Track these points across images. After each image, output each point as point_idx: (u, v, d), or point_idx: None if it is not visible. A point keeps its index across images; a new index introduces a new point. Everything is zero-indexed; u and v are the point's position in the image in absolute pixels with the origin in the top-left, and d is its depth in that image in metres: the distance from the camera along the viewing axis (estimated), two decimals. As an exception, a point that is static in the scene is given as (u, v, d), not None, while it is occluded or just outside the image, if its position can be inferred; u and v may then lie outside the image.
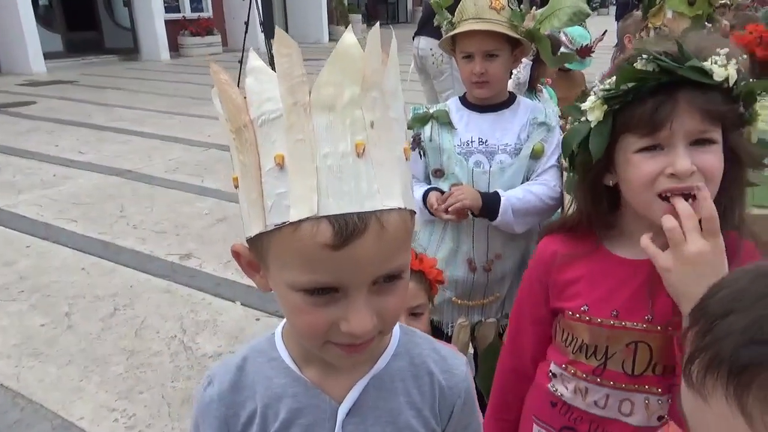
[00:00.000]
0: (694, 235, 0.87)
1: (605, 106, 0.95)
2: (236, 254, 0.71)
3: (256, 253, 0.66)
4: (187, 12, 14.84)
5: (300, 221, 0.58)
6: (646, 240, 0.93)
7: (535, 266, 1.17)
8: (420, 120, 1.70)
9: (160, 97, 8.76)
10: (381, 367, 0.77)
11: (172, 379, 2.50)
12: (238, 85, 0.64)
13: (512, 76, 2.82)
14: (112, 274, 3.46)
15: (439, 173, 1.69)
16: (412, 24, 23.65)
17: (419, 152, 1.71)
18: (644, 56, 0.91)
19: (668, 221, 0.89)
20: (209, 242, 3.87)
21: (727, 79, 0.88)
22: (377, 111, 0.60)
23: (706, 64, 0.88)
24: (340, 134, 0.59)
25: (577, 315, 1.06)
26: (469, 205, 1.55)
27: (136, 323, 2.94)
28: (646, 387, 1.02)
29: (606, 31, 3.33)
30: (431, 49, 3.84)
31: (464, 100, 1.72)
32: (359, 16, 19.48)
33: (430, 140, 1.68)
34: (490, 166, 1.63)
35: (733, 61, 0.88)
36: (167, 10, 13.90)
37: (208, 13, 15.31)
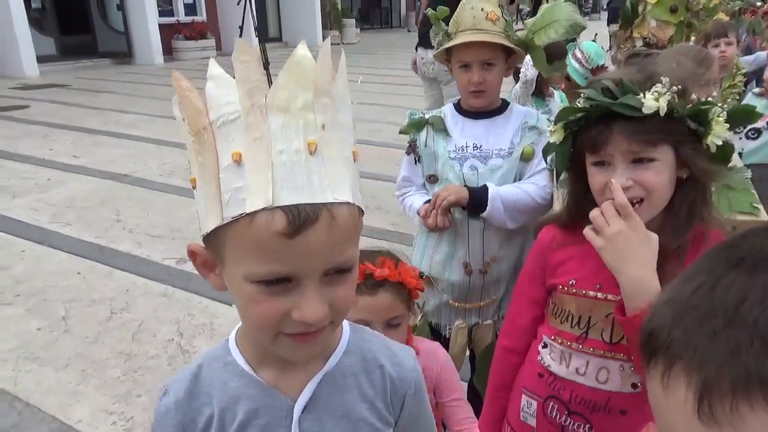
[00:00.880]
0: (613, 219, 1.05)
1: (564, 130, 1.16)
2: (192, 254, 0.74)
3: (212, 250, 0.70)
4: (181, 16, 14.84)
5: (255, 212, 0.62)
6: (587, 229, 1.10)
7: (536, 250, 1.32)
8: (415, 125, 1.73)
9: (154, 101, 8.72)
10: (333, 364, 0.80)
11: (169, 382, 2.52)
12: None
13: (520, 74, 2.87)
14: (108, 278, 3.47)
15: (433, 179, 1.72)
16: (404, 28, 23.81)
17: (414, 158, 1.75)
18: (586, 93, 1.09)
19: (593, 213, 1.09)
20: (205, 246, 3.88)
21: (658, 110, 1.03)
22: (328, 115, 0.65)
23: (639, 98, 1.03)
24: (294, 134, 0.63)
25: (566, 288, 1.21)
26: (454, 200, 1.58)
27: (133, 327, 2.96)
28: (621, 355, 1.16)
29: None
30: None
31: (459, 107, 1.76)
32: (353, 21, 19.54)
33: (425, 146, 1.72)
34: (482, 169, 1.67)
35: (672, 90, 1.03)
36: (161, 13, 13.88)
37: (202, 17, 15.30)
